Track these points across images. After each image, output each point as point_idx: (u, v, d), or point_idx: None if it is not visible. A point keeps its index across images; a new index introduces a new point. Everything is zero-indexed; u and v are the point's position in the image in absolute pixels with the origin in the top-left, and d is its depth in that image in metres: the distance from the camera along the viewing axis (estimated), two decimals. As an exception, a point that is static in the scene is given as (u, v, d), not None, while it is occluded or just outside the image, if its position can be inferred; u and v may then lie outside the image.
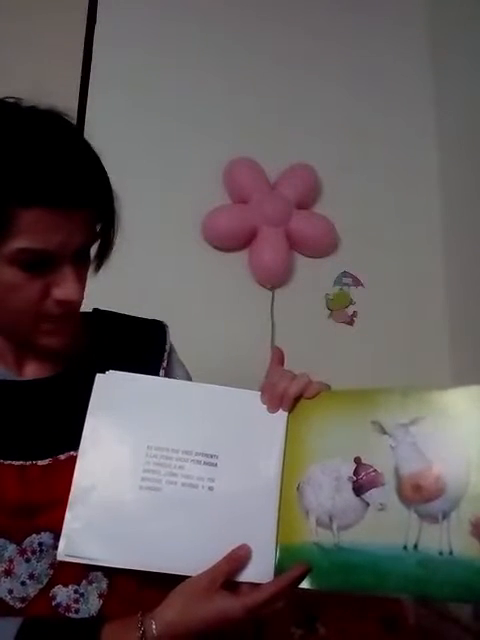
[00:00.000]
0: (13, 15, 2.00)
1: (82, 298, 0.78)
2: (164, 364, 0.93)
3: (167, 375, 0.92)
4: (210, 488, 0.78)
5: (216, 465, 0.79)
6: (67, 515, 0.75)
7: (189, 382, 0.93)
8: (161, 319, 0.98)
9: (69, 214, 0.72)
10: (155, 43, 2.11)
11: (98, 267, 0.84)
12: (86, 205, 0.74)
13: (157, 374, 0.90)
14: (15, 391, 0.82)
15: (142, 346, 0.93)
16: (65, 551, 0.74)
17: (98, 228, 0.79)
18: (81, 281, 0.77)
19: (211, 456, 0.79)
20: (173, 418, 0.82)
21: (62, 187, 0.71)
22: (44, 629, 0.72)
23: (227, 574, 0.73)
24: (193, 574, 0.73)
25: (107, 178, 0.79)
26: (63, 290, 0.75)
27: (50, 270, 0.74)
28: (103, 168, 0.78)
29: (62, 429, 0.80)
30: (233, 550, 0.74)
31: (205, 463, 0.79)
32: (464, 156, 2.03)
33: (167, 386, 0.86)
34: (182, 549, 0.75)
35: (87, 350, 0.88)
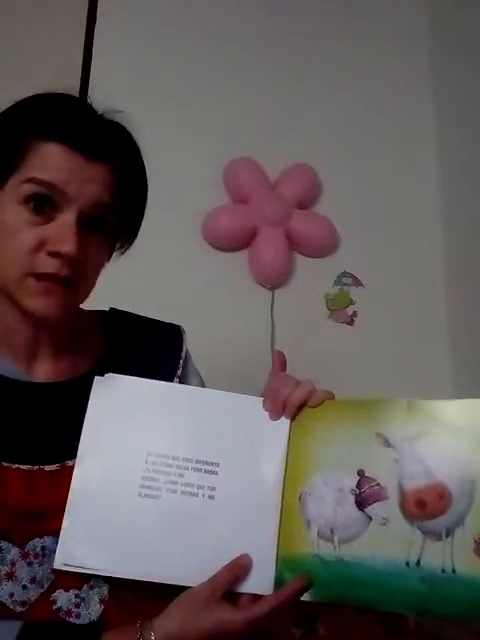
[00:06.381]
0: (13, 15, 1.99)
1: (77, 255, 0.72)
2: (179, 372, 0.90)
3: (181, 383, 0.90)
4: (210, 497, 0.76)
5: (217, 473, 0.78)
6: (64, 522, 0.74)
7: (189, 386, 0.91)
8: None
9: (87, 161, 0.72)
10: (155, 43, 2.09)
11: (123, 246, 0.83)
12: (109, 160, 0.74)
13: (171, 381, 0.88)
14: (26, 393, 0.81)
15: (158, 351, 0.91)
16: (62, 560, 0.73)
17: (115, 198, 0.76)
18: (82, 240, 0.73)
19: (212, 464, 0.78)
20: (173, 424, 0.80)
21: (83, 130, 0.73)
22: (43, 634, 0.72)
23: (228, 584, 0.72)
24: (192, 584, 0.72)
25: (135, 151, 0.80)
26: (57, 241, 0.72)
27: (53, 217, 0.73)
28: (134, 142, 0.80)
29: (71, 435, 0.78)
30: (234, 560, 0.73)
31: (206, 471, 0.78)
32: (464, 155, 2.03)
33: (167, 390, 0.84)
34: (181, 559, 0.74)
35: (101, 353, 0.87)
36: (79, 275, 0.75)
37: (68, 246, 0.72)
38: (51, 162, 0.72)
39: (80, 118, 0.75)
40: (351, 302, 2.06)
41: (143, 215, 0.83)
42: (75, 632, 0.73)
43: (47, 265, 0.73)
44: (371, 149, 2.16)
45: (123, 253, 0.85)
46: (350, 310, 2.06)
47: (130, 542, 0.75)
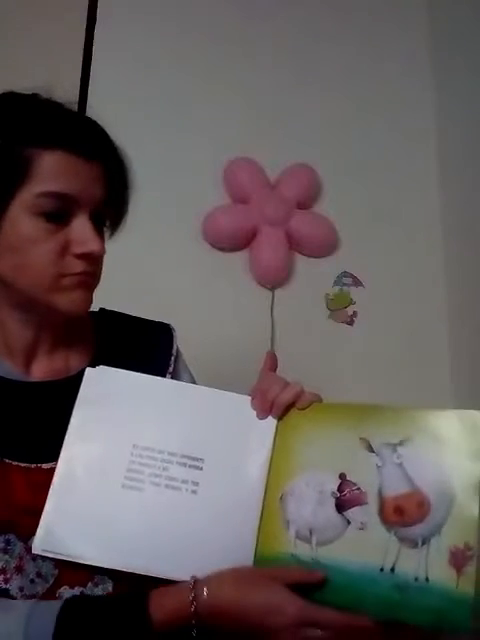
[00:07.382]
0: (13, 16, 2.00)
1: (103, 251, 0.78)
2: (170, 369, 0.92)
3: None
4: (193, 491, 0.77)
5: (201, 469, 0.78)
6: (46, 507, 0.74)
7: (179, 382, 0.92)
8: (161, 319, 0.97)
9: (89, 163, 0.75)
10: (155, 43, 2.10)
11: (113, 230, 0.85)
12: (101, 157, 0.77)
13: None
14: (23, 392, 0.82)
15: (148, 350, 0.92)
16: (41, 545, 0.73)
17: (108, 192, 0.79)
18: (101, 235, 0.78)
19: (197, 459, 0.78)
20: (161, 418, 0.81)
21: (82, 134, 0.76)
22: (88, 605, 0.71)
23: (295, 580, 0.69)
24: (171, 577, 0.72)
25: (113, 142, 0.82)
26: (83, 243, 0.76)
27: (68, 223, 0.76)
28: (107, 132, 0.81)
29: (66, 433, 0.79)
30: (312, 570, 0.71)
31: (190, 466, 0.78)
32: (464, 156, 2.03)
33: (157, 385, 0.84)
34: (161, 551, 0.74)
35: (93, 352, 0.88)
36: (99, 269, 0.81)
37: (94, 245, 0.76)
38: (60, 172, 0.74)
39: (72, 122, 0.77)
40: (351, 302, 2.06)
41: (128, 204, 0.85)
42: (120, 599, 0.72)
43: (76, 266, 0.77)
44: (371, 149, 2.15)
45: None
46: (350, 310, 2.06)
47: (111, 532, 0.75)
